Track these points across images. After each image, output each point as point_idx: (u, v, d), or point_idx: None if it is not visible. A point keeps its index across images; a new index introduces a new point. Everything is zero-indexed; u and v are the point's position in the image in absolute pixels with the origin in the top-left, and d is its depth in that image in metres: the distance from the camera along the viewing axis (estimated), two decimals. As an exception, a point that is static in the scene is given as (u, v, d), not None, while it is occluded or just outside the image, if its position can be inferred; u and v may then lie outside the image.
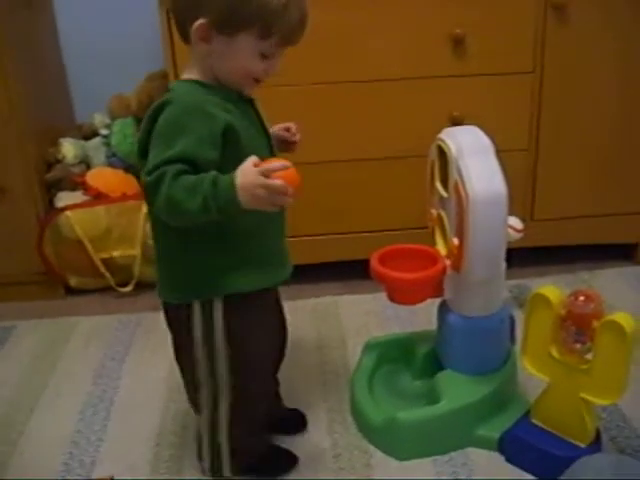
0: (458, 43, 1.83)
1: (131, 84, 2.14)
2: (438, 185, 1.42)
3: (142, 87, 2.10)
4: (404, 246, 1.46)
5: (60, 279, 2.11)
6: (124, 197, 2.04)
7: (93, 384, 1.70)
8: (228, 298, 1.21)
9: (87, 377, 1.73)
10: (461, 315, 1.43)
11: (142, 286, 2.10)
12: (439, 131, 1.41)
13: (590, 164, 2.00)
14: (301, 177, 1.08)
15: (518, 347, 1.40)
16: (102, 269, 2.05)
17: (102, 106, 2.22)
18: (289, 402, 1.53)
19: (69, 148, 2.13)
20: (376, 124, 1.90)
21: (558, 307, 1.29)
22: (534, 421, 1.40)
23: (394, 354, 1.62)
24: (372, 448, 1.45)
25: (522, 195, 2.01)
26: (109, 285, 2.09)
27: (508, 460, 1.40)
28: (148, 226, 2.03)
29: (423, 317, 1.76)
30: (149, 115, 1.12)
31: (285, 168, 1.06)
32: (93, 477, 1.42)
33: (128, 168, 2.15)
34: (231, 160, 1.09)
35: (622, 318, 1.23)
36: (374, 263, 1.40)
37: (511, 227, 1.73)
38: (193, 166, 1.07)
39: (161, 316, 1.93)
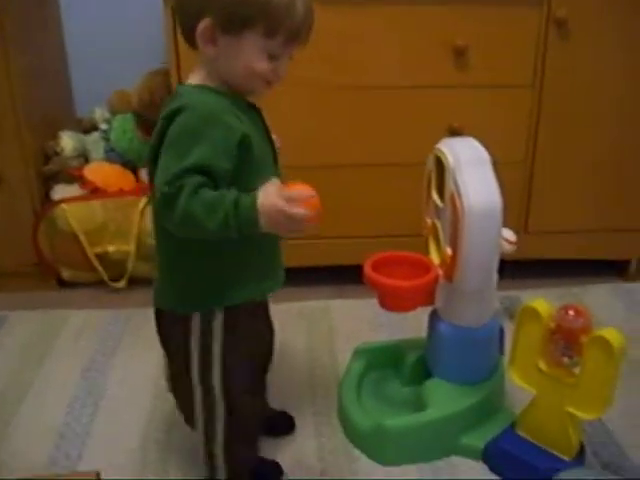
0: (460, 54, 1.84)
1: (133, 80, 2.14)
2: (434, 195, 1.43)
3: (143, 84, 2.10)
4: (398, 253, 1.47)
5: (53, 272, 2.11)
6: (121, 192, 2.05)
7: (82, 378, 1.70)
8: (227, 309, 1.20)
9: (76, 370, 1.73)
10: (451, 324, 1.44)
11: (135, 282, 2.10)
12: (438, 140, 1.42)
13: (585, 180, 2.02)
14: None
15: (507, 358, 1.41)
16: (96, 263, 2.06)
17: (103, 100, 2.22)
18: (277, 405, 1.54)
19: (68, 141, 2.13)
20: (375, 131, 1.91)
21: (547, 320, 1.30)
22: (519, 432, 1.41)
23: (383, 360, 1.62)
24: (358, 453, 1.46)
25: (517, 208, 2.02)
26: (102, 280, 2.09)
27: (492, 470, 1.41)
28: (144, 222, 2.04)
29: (414, 324, 1.77)
30: (162, 120, 1.10)
31: (309, 198, 1.05)
32: (79, 470, 1.42)
33: (126, 163, 2.15)
34: (244, 170, 1.10)
35: (610, 334, 1.24)
36: (367, 269, 1.41)
37: (505, 239, 1.74)
38: (208, 176, 1.05)
39: (152, 312, 1.94)
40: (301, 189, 1.06)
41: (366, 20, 1.81)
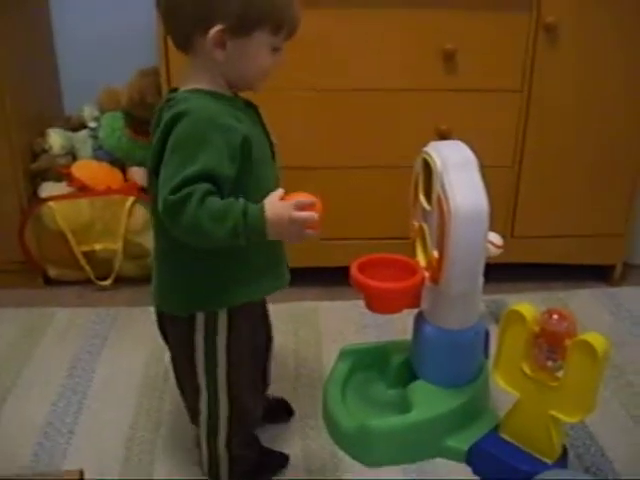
0: (449, 58, 1.85)
1: (122, 78, 2.13)
2: (421, 198, 1.44)
3: (133, 83, 2.10)
4: (384, 256, 1.48)
5: (40, 269, 2.10)
6: (108, 191, 2.04)
7: (67, 376, 1.70)
8: (230, 309, 1.22)
9: (62, 368, 1.72)
10: (437, 327, 1.45)
11: (121, 281, 2.10)
12: (426, 143, 1.42)
13: (571, 185, 2.03)
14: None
15: (491, 361, 1.42)
16: (82, 262, 2.05)
17: (92, 98, 2.22)
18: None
19: (56, 139, 2.12)
20: (363, 133, 1.91)
21: (532, 324, 1.31)
22: (503, 435, 1.42)
23: (368, 362, 1.63)
24: (342, 454, 1.47)
25: (504, 212, 2.03)
26: (88, 278, 2.08)
27: (475, 472, 1.42)
28: (131, 221, 2.04)
29: (399, 326, 1.78)
30: (164, 126, 1.10)
31: (314, 204, 1.11)
32: (63, 469, 1.42)
33: (114, 162, 2.15)
34: (245, 170, 1.12)
35: (594, 338, 1.25)
36: (354, 271, 1.41)
37: (491, 243, 1.75)
38: (213, 182, 1.07)
39: (138, 311, 1.95)
40: (303, 197, 1.10)
41: (355, 24, 1.81)
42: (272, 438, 1.49)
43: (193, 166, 1.05)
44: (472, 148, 1.38)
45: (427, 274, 1.42)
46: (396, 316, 1.48)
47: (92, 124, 2.17)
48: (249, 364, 1.31)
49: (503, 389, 1.38)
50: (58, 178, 2.09)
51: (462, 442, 1.44)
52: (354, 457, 1.45)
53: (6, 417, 1.56)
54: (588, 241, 2.11)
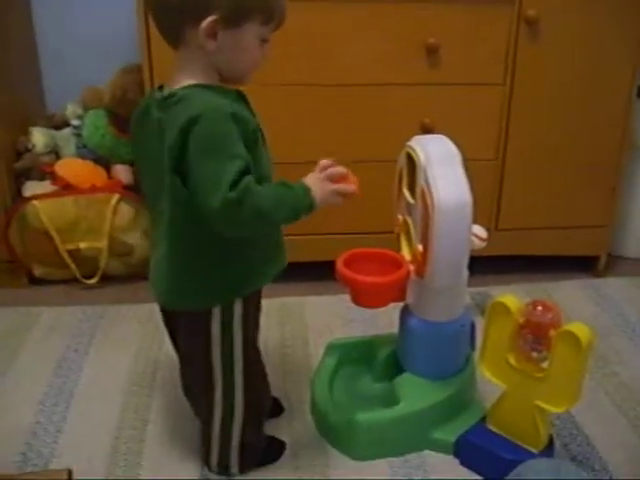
0: (432, 52, 1.85)
1: (105, 76, 2.12)
2: (405, 191, 1.44)
3: (116, 80, 2.09)
4: (369, 250, 1.48)
5: (25, 268, 2.09)
6: (93, 189, 2.04)
7: (54, 375, 1.69)
8: (244, 300, 1.26)
9: (48, 368, 1.72)
10: (422, 320, 1.45)
11: (107, 279, 2.10)
12: (409, 137, 1.43)
13: (555, 177, 2.04)
14: None
15: (477, 353, 1.43)
16: (68, 260, 2.04)
17: (74, 96, 2.20)
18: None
19: (39, 137, 2.11)
20: (347, 127, 1.92)
21: (517, 315, 1.32)
22: (489, 426, 1.43)
23: (355, 356, 1.64)
24: (330, 448, 1.47)
25: (488, 204, 2.04)
26: (74, 276, 2.08)
27: (462, 463, 1.43)
28: (116, 219, 2.04)
29: (386, 320, 1.79)
30: (180, 130, 1.08)
31: (346, 174, 1.24)
32: (51, 468, 1.42)
33: (98, 160, 2.14)
34: (255, 157, 1.15)
35: (578, 329, 1.26)
36: (339, 266, 1.41)
37: (475, 235, 1.76)
38: (250, 171, 1.11)
39: (124, 309, 1.95)
40: (328, 164, 1.25)
41: (338, 18, 1.81)
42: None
43: (237, 160, 1.08)
44: (455, 142, 1.38)
45: (412, 268, 1.43)
46: (382, 310, 1.48)
47: (75, 122, 2.16)
48: (258, 350, 1.36)
49: (489, 380, 1.39)
50: (42, 177, 2.08)
51: (449, 434, 1.45)
52: (342, 451, 1.46)
53: (-7, 417, 1.56)
54: (572, 233, 2.12)
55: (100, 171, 2.12)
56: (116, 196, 2.03)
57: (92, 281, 2.09)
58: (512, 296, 1.35)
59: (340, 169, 1.23)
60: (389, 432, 1.44)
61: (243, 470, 1.40)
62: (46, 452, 1.46)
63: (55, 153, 2.16)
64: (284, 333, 1.86)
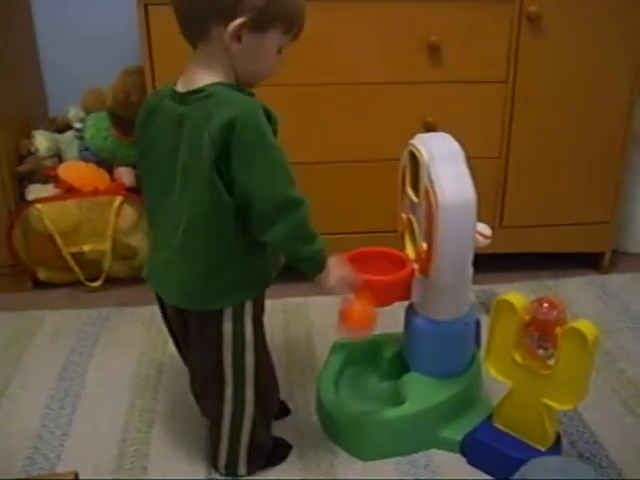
0: (434, 50, 1.85)
1: (107, 78, 2.12)
2: (409, 190, 1.44)
3: (118, 82, 2.09)
4: (374, 249, 1.48)
5: (28, 272, 2.09)
6: (96, 191, 2.03)
7: (59, 378, 1.69)
8: (254, 301, 1.27)
9: (53, 371, 1.72)
10: (428, 318, 1.45)
11: (111, 281, 2.09)
12: (413, 136, 1.42)
13: (559, 174, 2.04)
14: None
15: (483, 351, 1.43)
16: (71, 263, 2.04)
17: (76, 99, 2.21)
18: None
19: (42, 141, 2.11)
20: (350, 127, 1.91)
21: (522, 313, 1.31)
22: (496, 424, 1.43)
23: (361, 355, 1.63)
24: (336, 448, 1.47)
25: (492, 202, 2.03)
26: (78, 279, 2.08)
27: (469, 462, 1.43)
28: (119, 222, 2.03)
29: (391, 320, 1.77)
30: (222, 127, 1.10)
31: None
32: (57, 472, 1.42)
33: (100, 162, 2.14)
34: None
35: (584, 326, 1.25)
36: (344, 265, 1.41)
37: (480, 233, 1.75)
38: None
39: (129, 312, 1.95)
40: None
41: (339, 17, 1.81)
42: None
43: (282, 154, 1.16)
44: (459, 140, 1.38)
45: (416, 266, 1.43)
46: (387, 309, 1.48)
47: (77, 125, 2.16)
48: (268, 350, 1.36)
49: (495, 378, 1.39)
50: (45, 180, 2.08)
51: (456, 432, 1.44)
52: (349, 451, 1.46)
53: (0, 422, 1.56)
54: (577, 229, 2.11)
55: (103, 174, 2.12)
56: (119, 198, 2.03)
57: (96, 284, 2.09)
58: (517, 293, 1.34)
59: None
60: (395, 431, 1.44)
61: (251, 471, 1.40)
62: (52, 455, 1.46)
63: (58, 156, 2.16)
64: (289, 333, 1.86)
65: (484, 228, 1.79)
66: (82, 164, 2.12)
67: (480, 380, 1.55)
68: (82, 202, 2.02)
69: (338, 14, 1.80)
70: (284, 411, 1.56)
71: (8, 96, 2.04)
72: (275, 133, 1.17)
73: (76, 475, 1.36)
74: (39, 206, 2.00)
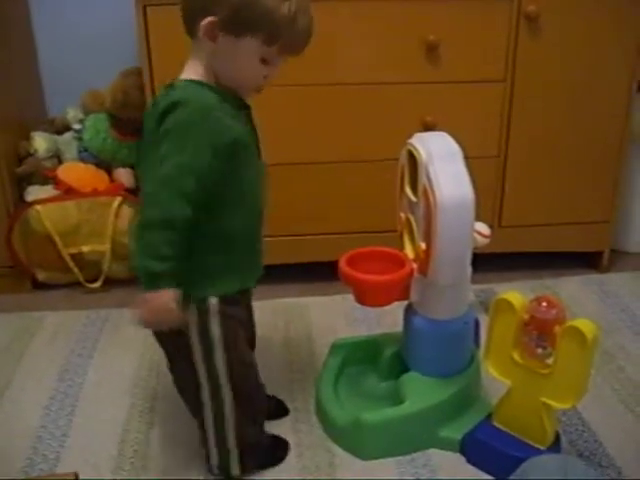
0: (432, 50, 1.85)
1: (105, 79, 2.12)
2: (407, 189, 1.44)
3: (117, 83, 2.09)
4: (372, 249, 1.48)
5: (28, 273, 2.09)
6: (95, 192, 2.04)
7: (59, 379, 1.69)
8: (220, 297, 1.24)
9: (53, 372, 1.72)
10: (427, 318, 1.45)
11: (111, 282, 2.09)
12: (411, 136, 1.42)
13: (557, 173, 2.04)
14: None
15: (482, 350, 1.43)
16: (71, 264, 2.04)
17: (75, 101, 2.21)
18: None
19: (41, 142, 2.11)
20: (348, 127, 1.91)
21: (521, 312, 1.31)
22: (495, 424, 1.43)
23: (360, 355, 1.63)
24: (336, 447, 1.47)
25: (491, 202, 2.04)
26: (77, 280, 2.08)
27: (469, 461, 1.43)
28: (118, 222, 2.04)
29: (390, 319, 1.78)
30: (159, 112, 1.11)
31: None
32: (57, 472, 1.42)
33: (100, 163, 2.14)
34: (230, 171, 1.15)
35: (583, 324, 1.25)
36: (342, 265, 1.41)
37: (479, 233, 1.76)
38: (196, 176, 1.10)
39: (129, 313, 1.94)
40: None
41: (337, 16, 1.81)
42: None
43: (181, 156, 1.09)
44: (457, 139, 1.38)
45: (415, 266, 1.43)
46: (386, 309, 1.48)
47: (76, 126, 2.16)
48: (247, 350, 1.35)
49: (494, 378, 1.39)
50: (44, 181, 2.08)
51: (455, 432, 1.44)
52: (348, 451, 1.46)
53: (-1, 422, 1.56)
54: (575, 229, 2.12)
55: (102, 175, 2.12)
56: (118, 199, 2.03)
57: (95, 285, 2.09)
58: (516, 292, 1.35)
59: None
60: (395, 431, 1.44)
61: (245, 471, 1.39)
62: (52, 456, 1.46)
63: (57, 157, 2.16)
64: (288, 334, 1.86)
65: (483, 227, 1.80)
66: (81, 165, 2.13)
67: (479, 379, 1.55)
68: (81, 203, 2.02)
69: (336, 13, 1.80)
70: (282, 411, 1.56)
71: (7, 97, 2.04)
72: (225, 145, 1.13)
73: (76, 476, 1.36)
74: (38, 207, 2.00)
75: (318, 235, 2.01)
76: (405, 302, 1.51)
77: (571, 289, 2.06)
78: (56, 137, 2.18)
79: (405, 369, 1.51)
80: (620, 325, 1.89)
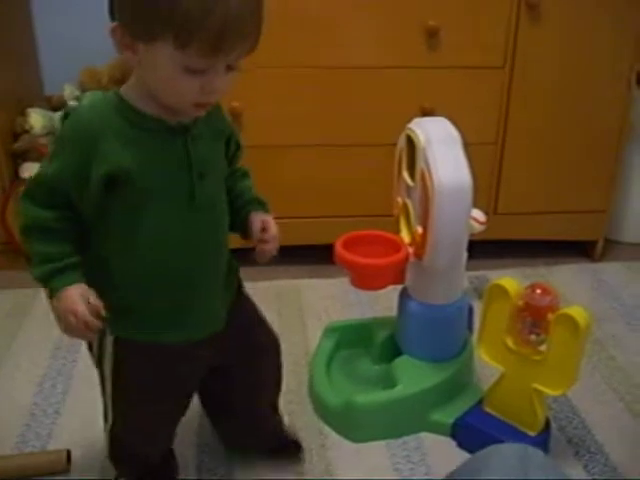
0: (432, 35, 1.84)
1: (103, 57, 2.10)
2: (405, 174, 1.44)
3: (115, 62, 2.08)
4: (368, 232, 1.48)
5: (22, 250, 2.08)
6: (91, 171, 2.03)
7: (52, 357, 1.70)
8: (120, 339, 1.11)
9: (46, 350, 1.72)
10: (421, 302, 1.46)
11: (105, 261, 2.09)
12: (409, 121, 1.42)
13: (554, 162, 2.04)
14: None
15: (475, 336, 1.43)
16: (65, 242, 2.04)
17: (72, 78, 2.19)
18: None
19: (37, 119, 2.10)
20: (347, 111, 1.91)
21: (515, 298, 1.32)
22: (487, 409, 1.44)
23: (353, 339, 1.64)
24: (327, 430, 1.48)
25: (487, 188, 2.04)
26: (72, 259, 2.07)
27: (460, 446, 1.44)
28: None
29: (384, 303, 1.79)
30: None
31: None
32: (49, 449, 1.42)
33: (96, 142, 2.13)
34: (122, 198, 1.01)
35: (576, 312, 1.26)
36: (338, 248, 1.42)
37: (474, 219, 1.76)
38: (53, 191, 1.00)
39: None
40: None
41: (338, 0, 1.80)
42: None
43: (48, 167, 1.01)
44: (455, 125, 1.38)
45: (411, 250, 1.43)
46: (380, 292, 1.49)
47: (72, 103, 2.15)
48: (141, 411, 1.18)
49: (487, 363, 1.40)
50: (39, 158, 2.07)
51: (447, 416, 1.45)
52: (340, 433, 1.47)
53: (-8, 398, 1.56)
54: (570, 217, 2.12)
55: (97, 153, 2.11)
56: (113, 178, 2.02)
57: (90, 263, 2.08)
58: (511, 279, 1.35)
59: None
60: (387, 414, 1.45)
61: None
62: (44, 434, 1.46)
63: (53, 134, 2.14)
64: (282, 316, 1.86)
65: (479, 214, 1.80)
66: (77, 143, 2.11)
67: (472, 365, 1.56)
68: (77, 181, 2.02)
69: (337, -2, 1.80)
70: (294, 450, 1.41)
71: (3, 73, 2.02)
72: (105, 172, 0.98)
73: (68, 453, 1.38)
74: (33, 184, 1.99)
75: (314, 218, 2.01)
76: (400, 286, 1.51)
77: (565, 277, 2.06)
78: (52, 114, 2.17)
79: (398, 353, 1.52)
80: (612, 314, 1.90)
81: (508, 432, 1.38)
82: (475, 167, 1.35)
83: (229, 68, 0.97)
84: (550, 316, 1.28)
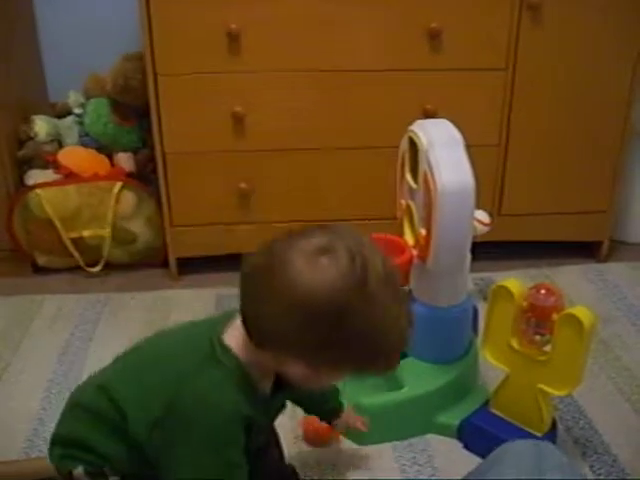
0: (434, 37, 1.85)
1: (107, 63, 2.12)
2: (408, 176, 1.45)
3: (118, 68, 2.08)
4: (372, 235, 1.48)
5: (28, 257, 2.10)
6: (95, 177, 2.04)
7: (58, 363, 1.70)
8: None
9: (53, 356, 1.73)
10: (425, 304, 1.46)
11: (111, 267, 2.10)
12: (411, 123, 1.43)
13: (557, 162, 2.04)
14: None
15: (480, 337, 1.43)
16: (71, 248, 2.05)
17: (77, 85, 2.20)
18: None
19: (42, 125, 2.11)
20: (350, 113, 1.91)
21: (520, 299, 1.32)
22: (493, 410, 1.44)
23: (359, 341, 1.64)
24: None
25: (491, 190, 2.04)
26: (78, 265, 2.08)
27: (466, 447, 1.44)
28: (119, 207, 2.04)
29: (389, 306, 1.78)
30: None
31: None
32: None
33: (101, 148, 2.14)
34: None
35: (581, 312, 1.26)
36: (342, 251, 1.41)
37: (478, 221, 1.76)
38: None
39: (128, 297, 1.96)
40: None
41: (340, 2, 1.81)
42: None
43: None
44: (458, 127, 1.38)
45: (415, 252, 1.43)
46: (385, 295, 1.48)
47: (78, 110, 2.16)
48: None
49: (492, 364, 1.40)
50: (44, 165, 2.08)
51: (453, 418, 1.46)
52: (346, 436, 1.46)
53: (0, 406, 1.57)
54: (575, 218, 2.12)
55: (103, 159, 2.12)
56: (119, 184, 2.03)
57: (95, 269, 2.09)
58: (515, 280, 1.35)
59: None
60: (393, 416, 1.45)
61: None
62: (52, 438, 1.47)
63: (58, 141, 2.15)
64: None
65: (483, 216, 1.80)
66: (82, 149, 2.12)
67: (477, 366, 1.56)
68: (82, 187, 2.03)
69: (339, 1, 1.80)
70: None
71: (8, 80, 2.03)
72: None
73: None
74: (39, 191, 2.00)
75: (318, 221, 2.00)
76: (404, 288, 1.51)
77: (570, 278, 2.06)
78: (57, 121, 2.18)
79: (403, 355, 1.52)
80: (618, 315, 1.90)
81: (514, 433, 1.37)
82: (479, 169, 1.35)
83: None
84: (555, 316, 1.28)
